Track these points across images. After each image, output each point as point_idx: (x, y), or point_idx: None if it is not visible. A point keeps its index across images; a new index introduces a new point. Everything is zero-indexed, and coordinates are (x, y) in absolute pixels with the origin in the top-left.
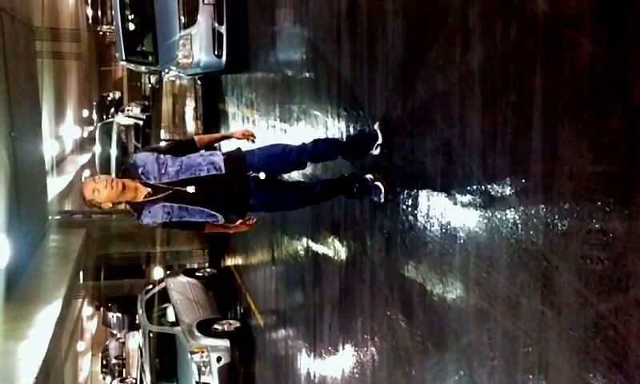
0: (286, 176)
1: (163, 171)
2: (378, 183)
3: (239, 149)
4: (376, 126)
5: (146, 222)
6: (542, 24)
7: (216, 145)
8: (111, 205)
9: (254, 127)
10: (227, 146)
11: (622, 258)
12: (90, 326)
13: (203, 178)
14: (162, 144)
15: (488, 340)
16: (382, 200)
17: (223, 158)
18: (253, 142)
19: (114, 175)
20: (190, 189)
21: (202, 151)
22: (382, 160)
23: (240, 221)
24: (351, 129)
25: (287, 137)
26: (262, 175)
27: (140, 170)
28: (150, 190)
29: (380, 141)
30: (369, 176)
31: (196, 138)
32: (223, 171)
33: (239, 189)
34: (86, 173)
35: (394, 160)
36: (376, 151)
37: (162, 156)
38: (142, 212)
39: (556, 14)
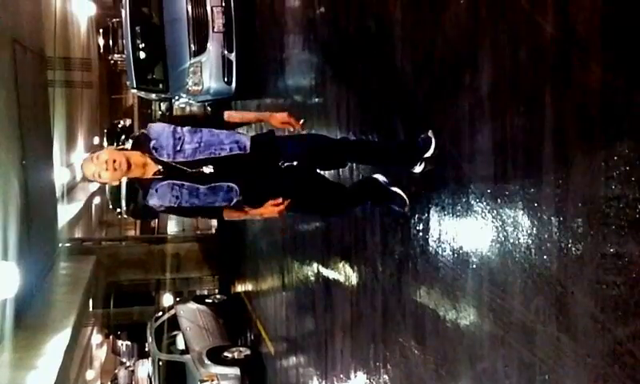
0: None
1: (179, 148)
2: (398, 190)
3: (272, 131)
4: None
5: (152, 203)
6: (551, 48)
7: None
8: (118, 182)
9: None
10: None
11: (639, 282)
12: (100, 354)
13: (224, 157)
14: (182, 115)
15: (503, 367)
16: (406, 210)
17: (251, 137)
18: (299, 127)
19: (124, 204)
20: (207, 169)
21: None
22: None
23: (269, 204)
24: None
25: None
26: (295, 163)
27: (152, 144)
28: (160, 167)
29: (430, 153)
30: (380, 177)
31: (226, 114)
32: (248, 151)
33: (265, 175)
34: (97, 200)
35: (404, 184)
36: (419, 168)
37: (179, 129)
38: (148, 190)
39: (565, 38)
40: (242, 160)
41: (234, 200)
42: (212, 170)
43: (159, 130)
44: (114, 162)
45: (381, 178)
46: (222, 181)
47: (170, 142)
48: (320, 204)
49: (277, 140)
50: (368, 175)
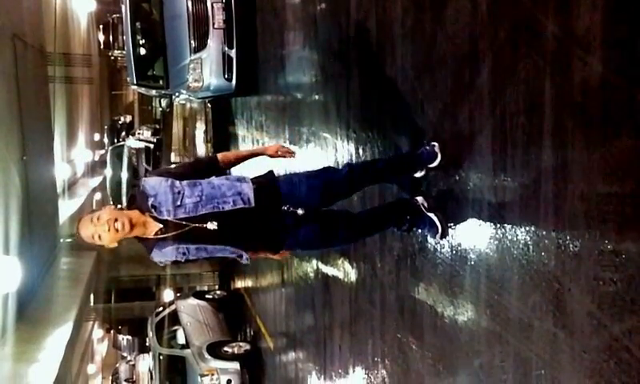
0: None
1: (179, 203)
2: (433, 215)
3: (271, 173)
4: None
5: (157, 259)
6: (551, 45)
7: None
8: (117, 244)
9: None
10: (256, 164)
11: (635, 279)
12: (101, 349)
13: (228, 212)
14: (176, 165)
15: (500, 362)
16: (439, 235)
17: (253, 187)
18: (292, 157)
19: (124, 199)
20: (211, 225)
21: (227, 176)
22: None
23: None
24: (360, 151)
25: (297, 159)
26: (300, 211)
27: (150, 202)
28: (161, 226)
29: (437, 162)
30: (420, 200)
31: (219, 156)
32: (252, 204)
33: (272, 226)
34: (97, 196)
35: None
36: (421, 173)
37: (177, 183)
38: (152, 249)
39: (565, 36)
40: (247, 214)
41: (244, 258)
42: (216, 227)
43: (155, 186)
44: (116, 221)
45: (423, 201)
46: (227, 244)
47: (169, 197)
48: (331, 242)
49: (277, 182)
50: (400, 196)
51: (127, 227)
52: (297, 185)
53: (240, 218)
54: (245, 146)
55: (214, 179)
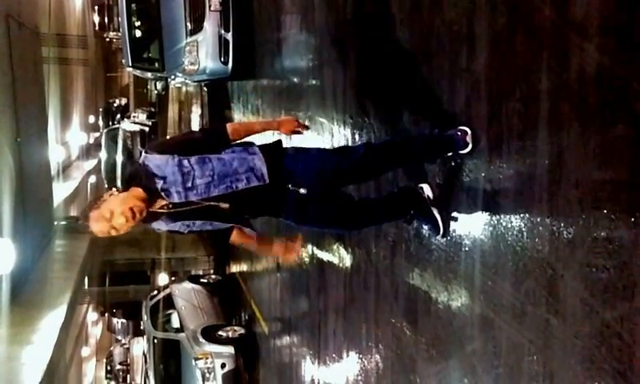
0: None
1: (190, 184)
2: (436, 212)
3: (279, 143)
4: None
5: (156, 227)
6: (548, 31)
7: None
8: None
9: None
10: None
11: (628, 266)
12: (95, 332)
13: (241, 191)
14: (180, 135)
15: (493, 348)
16: (440, 235)
17: (264, 159)
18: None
19: (119, 182)
20: (224, 205)
21: (233, 148)
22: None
23: (283, 244)
24: (357, 136)
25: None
26: (303, 191)
27: (159, 186)
28: (170, 205)
29: (468, 149)
30: (426, 189)
31: (229, 129)
32: (267, 181)
33: (276, 202)
34: (92, 178)
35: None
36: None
37: (185, 162)
38: (154, 220)
39: (563, 22)
40: (259, 192)
41: (250, 229)
42: (228, 207)
43: (162, 166)
44: (130, 209)
45: (427, 190)
46: (238, 220)
47: (178, 178)
48: (335, 225)
49: (284, 157)
50: (409, 184)
51: (144, 211)
52: (302, 167)
53: (253, 196)
54: None
55: (223, 154)
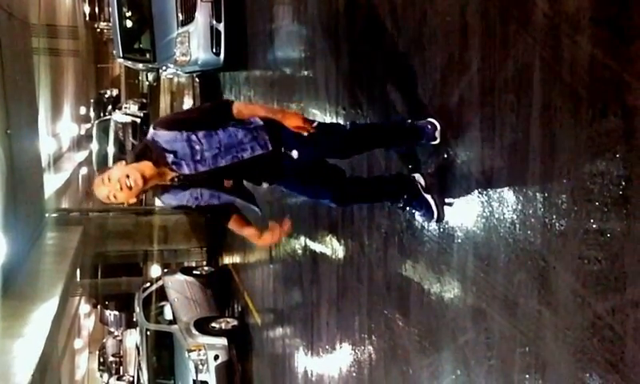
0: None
1: (198, 157)
2: (429, 197)
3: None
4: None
5: (166, 202)
6: (540, 23)
7: None
8: (136, 199)
9: None
10: None
11: (619, 258)
12: (88, 324)
13: (246, 160)
14: (186, 111)
15: (485, 339)
16: (434, 219)
17: (266, 128)
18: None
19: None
20: (228, 183)
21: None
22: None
23: (271, 230)
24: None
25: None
26: (295, 154)
27: (170, 160)
28: (178, 173)
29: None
30: (418, 178)
31: (235, 109)
32: (270, 149)
33: (275, 166)
34: (83, 170)
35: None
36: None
37: (193, 136)
38: (164, 193)
39: (555, 14)
40: (263, 160)
41: (256, 209)
42: (231, 184)
43: (171, 141)
44: (127, 177)
45: (420, 179)
46: (242, 195)
47: (187, 151)
48: (320, 195)
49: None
50: (401, 171)
51: (140, 182)
52: (295, 134)
53: (256, 165)
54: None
55: (229, 128)
